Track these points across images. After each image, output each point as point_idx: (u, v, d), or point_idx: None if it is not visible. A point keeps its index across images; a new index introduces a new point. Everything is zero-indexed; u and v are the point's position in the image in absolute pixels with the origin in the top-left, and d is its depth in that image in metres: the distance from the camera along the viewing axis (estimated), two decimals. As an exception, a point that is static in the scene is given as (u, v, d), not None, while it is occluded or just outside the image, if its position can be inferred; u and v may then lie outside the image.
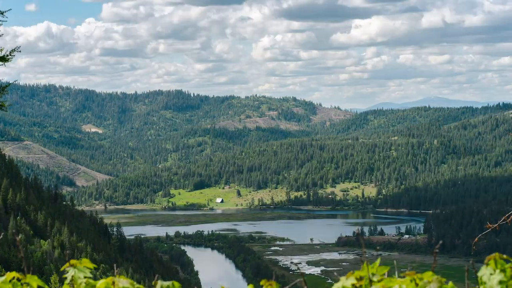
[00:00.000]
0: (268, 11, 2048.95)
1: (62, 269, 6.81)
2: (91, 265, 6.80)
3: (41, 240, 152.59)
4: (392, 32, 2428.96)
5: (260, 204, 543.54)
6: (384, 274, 6.58)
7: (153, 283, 6.31)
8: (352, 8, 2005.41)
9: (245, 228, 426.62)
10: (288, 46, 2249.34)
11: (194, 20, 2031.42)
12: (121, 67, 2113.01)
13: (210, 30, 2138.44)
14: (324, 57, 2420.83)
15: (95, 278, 6.81)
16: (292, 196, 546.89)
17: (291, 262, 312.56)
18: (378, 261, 6.55)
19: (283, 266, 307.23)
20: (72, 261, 6.71)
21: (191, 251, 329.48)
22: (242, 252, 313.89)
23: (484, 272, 6.22)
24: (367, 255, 7.18)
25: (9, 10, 23.59)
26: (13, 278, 6.60)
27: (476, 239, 13.61)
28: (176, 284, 6.34)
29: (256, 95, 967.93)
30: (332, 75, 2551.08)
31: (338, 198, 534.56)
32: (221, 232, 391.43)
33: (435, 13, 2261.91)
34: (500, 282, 6.08)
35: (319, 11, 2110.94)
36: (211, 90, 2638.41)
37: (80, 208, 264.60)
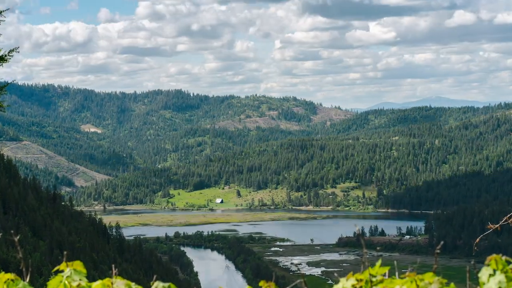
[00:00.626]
0: (297, 8, 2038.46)
1: (53, 270, 6.78)
2: (84, 270, 6.65)
3: (40, 241, 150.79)
4: (416, 30, 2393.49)
5: (260, 204, 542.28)
6: (384, 275, 6.54)
7: (151, 283, 6.49)
8: (385, 5, 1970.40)
9: (245, 228, 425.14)
10: (308, 44, 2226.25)
11: (224, 18, 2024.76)
12: (142, 66, 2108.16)
13: (237, 28, 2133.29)
14: (343, 56, 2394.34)
15: (94, 279, 6.79)
16: (293, 197, 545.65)
17: (292, 263, 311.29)
18: (379, 262, 6.52)
19: (284, 267, 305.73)
20: (63, 265, 6.62)
21: (190, 252, 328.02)
22: (242, 253, 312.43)
23: (484, 273, 6.16)
24: (367, 256, 7.16)
25: (7, 9, 23.35)
26: (7, 279, 6.61)
27: (478, 239, 13.13)
28: (173, 286, 6.31)
29: (256, 95, 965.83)
30: (346, 74, 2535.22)
31: (338, 198, 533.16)
32: (221, 232, 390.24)
33: (468, 11, 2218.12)
34: (499, 282, 6.01)
35: (352, 8, 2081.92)
36: (226, 89, 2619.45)
37: (79, 209, 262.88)
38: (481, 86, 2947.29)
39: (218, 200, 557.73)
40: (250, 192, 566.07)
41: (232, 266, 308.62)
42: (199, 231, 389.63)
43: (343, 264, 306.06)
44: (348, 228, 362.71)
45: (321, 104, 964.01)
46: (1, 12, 23.57)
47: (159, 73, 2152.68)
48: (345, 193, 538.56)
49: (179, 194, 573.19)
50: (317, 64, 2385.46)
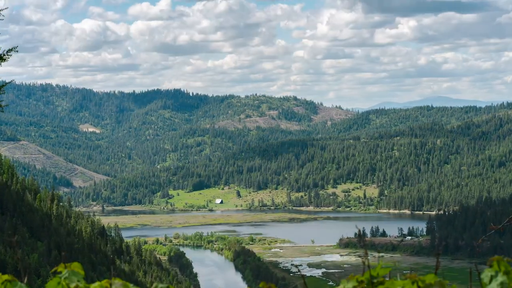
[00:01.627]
0: (323, 6, 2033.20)
1: (51, 272, 6.78)
2: (82, 271, 6.66)
3: (38, 242, 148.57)
4: (453, 28, 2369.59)
5: (260, 205, 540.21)
6: (386, 276, 6.55)
7: (148, 285, 6.61)
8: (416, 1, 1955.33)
9: (245, 229, 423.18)
10: (332, 43, 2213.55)
11: (256, 16, 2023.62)
12: (168, 64, 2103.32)
13: (267, 27, 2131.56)
14: (366, 54, 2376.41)
15: (92, 280, 7.29)
16: (293, 197, 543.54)
17: (292, 264, 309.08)
18: (380, 264, 6.51)
19: (284, 268, 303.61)
20: (61, 266, 6.62)
21: (190, 253, 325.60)
22: (242, 254, 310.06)
23: (486, 274, 6.14)
24: (368, 257, 7.14)
25: (6, 8, 22.88)
26: (5, 281, 6.64)
27: (480, 240, 13.03)
28: (171, 287, 6.34)
29: (256, 94, 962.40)
30: (364, 73, 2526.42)
31: (339, 199, 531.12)
32: (220, 233, 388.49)
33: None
34: (502, 284, 6.03)
35: (380, 5, 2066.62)
36: (241, 88, 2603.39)
37: (77, 209, 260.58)
38: (496, 85, 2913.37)
39: (218, 201, 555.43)
40: (250, 193, 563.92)
41: (232, 267, 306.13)
42: (198, 232, 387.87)
43: (344, 266, 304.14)
44: (349, 229, 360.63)
45: (321, 104, 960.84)
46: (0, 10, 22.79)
47: (183, 71, 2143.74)
48: (346, 194, 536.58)
49: (178, 194, 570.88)
50: (336, 63, 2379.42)
